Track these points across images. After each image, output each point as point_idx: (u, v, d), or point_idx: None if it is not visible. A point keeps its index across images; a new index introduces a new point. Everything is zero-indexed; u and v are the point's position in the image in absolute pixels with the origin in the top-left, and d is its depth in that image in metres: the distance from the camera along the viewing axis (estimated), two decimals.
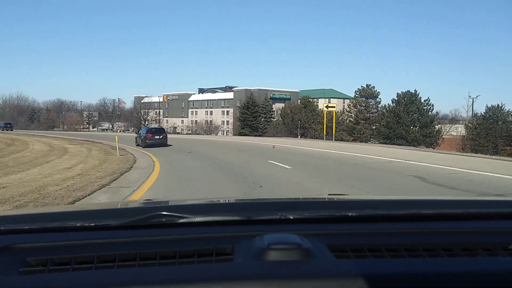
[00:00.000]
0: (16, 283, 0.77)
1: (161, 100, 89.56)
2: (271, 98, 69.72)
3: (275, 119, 62.27)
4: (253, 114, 62.05)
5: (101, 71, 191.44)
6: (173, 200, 2.61)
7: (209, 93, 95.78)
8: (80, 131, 78.59)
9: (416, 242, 0.94)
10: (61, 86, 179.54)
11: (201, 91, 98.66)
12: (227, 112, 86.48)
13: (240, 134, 58.26)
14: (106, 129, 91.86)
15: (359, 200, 1.66)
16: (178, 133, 74.72)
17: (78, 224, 0.99)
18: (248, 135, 53.75)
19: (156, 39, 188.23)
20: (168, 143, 24.52)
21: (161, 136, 24.49)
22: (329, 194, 2.63)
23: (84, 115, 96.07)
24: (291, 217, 1.05)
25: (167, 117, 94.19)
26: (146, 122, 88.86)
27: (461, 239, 0.97)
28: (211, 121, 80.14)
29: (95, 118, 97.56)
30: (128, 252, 0.88)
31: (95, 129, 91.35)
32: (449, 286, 0.79)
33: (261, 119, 62.43)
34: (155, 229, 0.99)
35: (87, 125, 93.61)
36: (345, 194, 3.57)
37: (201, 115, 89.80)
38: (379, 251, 0.91)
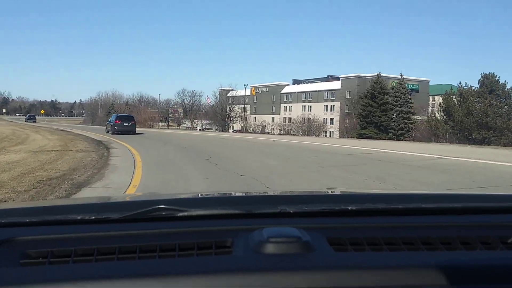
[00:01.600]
0: (16, 275, 0.78)
1: (248, 93, 73.80)
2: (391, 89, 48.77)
3: (416, 116, 41.69)
4: (382, 107, 41.67)
5: (182, 64, 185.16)
6: (173, 193, 2.63)
7: (306, 84, 77.43)
8: (155, 128, 65.73)
9: (415, 236, 0.95)
10: (143, 80, 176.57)
11: (296, 82, 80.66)
12: (331, 107, 67.45)
13: (360, 136, 38.67)
14: (188, 127, 78.90)
15: (359, 194, 1.62)
16: (268, 133, 57.35)
17: (79, 217, 1.00)
18: (373, 138, 34.45)
19: (240, 25, 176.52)
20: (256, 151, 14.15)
21: (130, 124, 25.08)
22: (328, 188, 3.18)
23: (170, 111, 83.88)
24: (291, 211, 1.06)
25: (254, 113, 78.00)
26: (231, 119, 74.39)
27: (460, 233, 0.98)
28: (309, 118, 61.83)
29: (177, 115, 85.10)
30: (128, 245, 0.88)
31: (179, 126, 78.71)
32: (447, 279, 0.79)
33: (392, 114, 41.85)
34: (155, 222, 1.01)
35: (166, 122, 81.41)
36: (345, 188, 3.46)
37: (296, 111, 72.01)
38: (378, 244, 0.92)
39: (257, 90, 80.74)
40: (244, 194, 1.75)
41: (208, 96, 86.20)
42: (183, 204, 1.08)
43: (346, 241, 0.91)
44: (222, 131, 69.21)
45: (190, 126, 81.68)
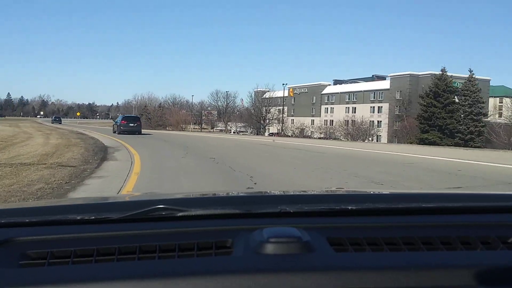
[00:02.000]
0: (16, 275, 0.77)
1: (286, 94, 68.69)
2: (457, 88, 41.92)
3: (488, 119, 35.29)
4: (447, 107, 35.38)
5: (217, 65, 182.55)
6: (173, 193, 2.64)
7: (349, 84, 71.39)
8: (186, 130, 61.93)
9: (415, 236, 0.94)
10: (177, 82, 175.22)
11: (338, 82, 74.72)
12: (379, 108, 61.20)
13: (422, 141, 32.64)
14: (222, 130, 75.01)
15: (359, 194, 1.60)
16: (309, 137, 52.09)
17: (79, 217, 1.00)
18: (437, 144, 28.48)
19: (276, 25, 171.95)
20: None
21: (135, 124, 25.07)
22: (327, 188, 3.50)
23: (203, 114, 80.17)
24: (291, 211, 1.06)
25: (292, 115, 72.82)
26: (267, 122, 69.54)
27: (460, 233, 0.97)
28: (353, 120, 55.94)
29: (210, 117, 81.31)
30: (128, 245, 0.88)
31: (213, 129, 74.83)
32: (447, 279, 0.79)
33: (460, 115, 35.49)
34: (155, 223, 1.00)
35: (199, 125, 77.76)
36: (344, 188, 3.40)
37: (338, 113, 66.24)
38: (378, 244, 0.91)
39: (296, 91, 75.50)
40: (244, 194, 1.75)
41: (242, 99, 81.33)
42: (183, 204, 1.08)
43: (346, 241, 0.91)
44: (257, 134, 64.80)
45: (224, 129, 77.70)
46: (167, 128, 67.39)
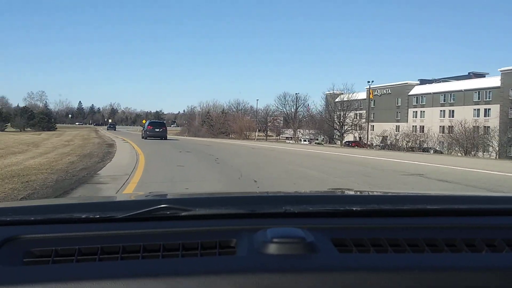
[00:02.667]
0: (20, 273, 0.78)
1: (364, 96, 59.27)
2: None
3: None
4: None
5: (284, 66, 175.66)
6: (177, 193, 2.82)
7: (441, 83, 60.05)
8: (251, 139, 54.78)
9: (420, 237, 0.94)
10: (242, 87, 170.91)
11: (425, 82, 63.57)
12: (486, 111, 49.63)
13: None
14: (289, 138, 67.34)
15: (364, 195, 1.63)
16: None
17: (83, 216, 1.00)
18: None
19: (350, 22, 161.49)
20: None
21: (161, 130, 25.26)
22: (331, 188, 3.50)
23: (268, 119, 72.99)
24: (295, 211, 1.06)
25: (372, 121, 62.91)
26: (345, 127, 60.48)
27: (465, 235, 0.97)
28: (451, 126, 45.18)
29: (276, 123, 73.86)
30: (132, 244, 0.88)
31: (278, 137, 67.31)
32: (452, 281, 0.78)
33: None
34: (159, 222, 1.00)
35: (264, 132, 70.61)
36: (349, 189, 3.17)
37: (431, 117, 55.39)
38: (383, 245, 0.91)
39: (376, 93, 65.55)
40: (248, 194, 1.73)
41: (308, 104, 72.41)
42: (187, 203, 1.09)
43: (350, 242, 0.91)
44: (329, 142, 56.14)
45: (291, 136, 69.73)
46: (231, 136, 61.04)
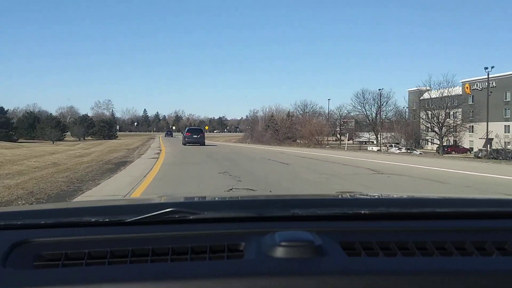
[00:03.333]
0: (30, 277, 0.78)
1: (460, 92, 48.41)
2: None
3: None
4: None
5: (360, 61, 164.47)
6: (186, 196, 2.63)
7: None
8: (323, 146, 46.52)
9: (429, 241, 0.93)
10: (310, 86, 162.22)
11: None
12: None
13: None
14: (364, 142, 58.16)
15: (372, 198, 1.62)
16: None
17: (93, 220, 1.01)
18: None
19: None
20: None
21: (199, 136, 26.70)
22: (340, 191, 3.36)
23: (339, 122, 64.26)
24: (303, 214, 1.06)
25: (470, 120, 51.57)
26: (443, 130, 49.99)
27: (475, 238, 0.96)
28: None
29: (350, 126, 64.74)
30: (141, 248, 0.88)
31: (351, 141, 58.30)
32: (462, 285, 0.77)
33: None
34: (168, 225, 1.01)
35: (337, 136, 61.89)
36: (357, 192, 3.36)
37: None
38: (391, 249, 0.91)
39: (475, 87, 54.11)
40: (256, 198, 1.72)
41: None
42: (196, 207, 1.10)
43: (359, 245, 0.90)
44: (415, 147, 46.08)
45: (367, 141, 60.23)
46: (298, 141, 53.15)
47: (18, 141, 53.14)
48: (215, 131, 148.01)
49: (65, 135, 63.60)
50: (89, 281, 0.75)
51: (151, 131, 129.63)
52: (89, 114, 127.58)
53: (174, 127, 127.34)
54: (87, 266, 0.83)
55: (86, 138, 70.41)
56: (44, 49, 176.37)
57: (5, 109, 57.53)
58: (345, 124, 65.70)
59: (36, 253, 0.86)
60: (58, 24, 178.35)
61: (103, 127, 73.89)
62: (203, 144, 26.35)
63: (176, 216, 1.01)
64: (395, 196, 1.75)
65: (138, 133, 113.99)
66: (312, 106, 70.23)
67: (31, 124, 59.34)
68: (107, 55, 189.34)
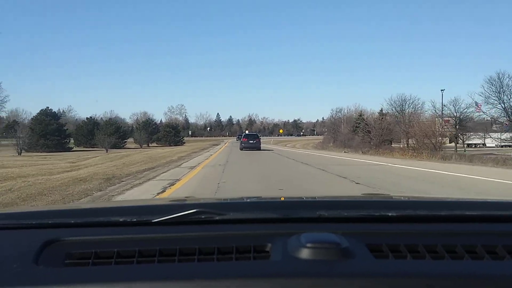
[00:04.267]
0: (62, 275, 0.80)
1: None
2: None
3: None
4: None
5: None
6: (211, 197, 2.97)
7: None
8: (442, 150, 33.23)
9: (459, 244, 0.92)
10: (404, 79, 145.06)
11: None
12: None
13: None
14: (476, 145, 43.61)
15: (399, 200, 1.58)
16: None
17: (121, 220, 1.03)
18: None
19: None
20: None
21: (255, 141, 27.43)
22: (366, 193, 3.41)
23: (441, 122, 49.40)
24: (329, 216, 1.06)
25: None
26: None
27: (506, 242, 0.94)
28: None
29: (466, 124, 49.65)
30: (168, 248, 0.89)
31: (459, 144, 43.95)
32: None
33: None
34: (194, 226, 1.02)
35: (461, 139, 47.35)
36: (383, 194, 3.30)
37: None
38: (420, 252, 0.89)
39: None
40: (282, 199, 1.69)
41: (479, 103, 44.43)
42: (222, 208, 1.10)
43: (386, 248, 0.89)
44: None
45: (481, 144, 45.28)
46: (402, 145, 40.28)
47: (73, 149, 47.42)
48: (291, 135, 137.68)
49: (125, 142, 57.27)
50: (118, 280, 0.76)
51: (224, 136, 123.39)
52: (162, 120, 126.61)
53: (247, 131, 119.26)
54: (116, 265, 0.84)
55: (150, 144, 64.03)
56: (116, 51, 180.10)
57: (58, 113, 52.18)
58: (465, 122, 50.41)
59: (67, 252, 0.88)
60: (135, 24, 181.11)
61: (168, 132, 66.93)
62: (259, 149, 26.80)
63: (202, 216, 1.01)
64: (422, 198, 1.67)
65: (208, 138, 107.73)
66: (413, 101, 55.66)
67: (90, 131, 53.65)
68: (180, 58, 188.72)
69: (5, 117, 62.97)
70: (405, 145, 43.04)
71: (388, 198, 1.72)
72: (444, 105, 43.01)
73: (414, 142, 37.99)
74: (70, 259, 0.86)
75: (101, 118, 65.28)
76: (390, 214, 1.05)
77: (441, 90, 41.98)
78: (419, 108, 54.46)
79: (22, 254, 0.86)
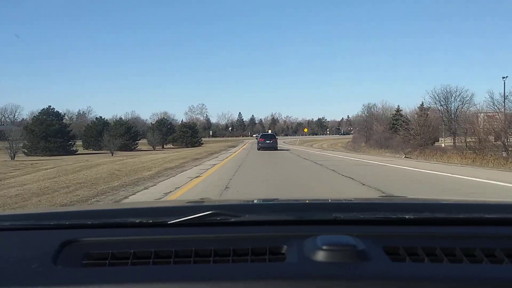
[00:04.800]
0: (79, 274, 0.81)
1: None
2: None
3: None
4: None
5: None
6: (226, 199, 2.96)
7: None
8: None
9: (478, 247, 0.90)
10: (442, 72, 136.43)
11: None
12: None
13: None
14: None
15: (416, 202, 1.55)
16: None
17: (137, 221, 1.05)
18: None
19: None
20: None
21: (271, 141, 27.19)
22: (382, 196, 3.50)
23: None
24: (345, 219, 1.05)
25: None
26: None
27: None
28: None
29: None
30: (184, 249, 0.90)
31: None
32: None
33: None
34: (209, 227, 1.02)
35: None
36: (400, 196, 3.15)
37: None
38: (437, 255, 0.88)
39: None
40: (297, 201, 1.66)
41: None
42: (237, 209, 1.11)
43: (403, 250, 0.88)
44: None
45: None
46: (444, 143, 33.73)
47: (78, 152, 42.71)
48: (316, 135, 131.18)
49: (136, 143, 52.18)
50: (135, 280, 0.76)
51: (246, 136, 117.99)
52: (184, 120, 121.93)
53: (270, 131, 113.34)
54: (133, 265, 0.85)
55: (165, 145, 59.08)
56: (135, 54, 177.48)
57: (61, 113, 47.43)
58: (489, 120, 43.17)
59: (85, 252, 0.89)
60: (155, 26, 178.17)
61: (185, 132, 61.58)
62: (275, 148, 26.73)
63: (218, 218, 1.02)
64: (440, 201, 1.64)
65: (229, 138, 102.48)
66: (460, 93, 48.35)
67: (99, 132, 48.91)
68: (202, 58, 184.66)
69: None
70: (451, 144, 36.26)
71: (404, 200, 1.70)
72: (506, 96, 35.82)
73: (473, 141, 30.90)
74: (88, 259, 0.87)
75: (120, 118, 59.79)
76: (407, 216, 1.03)
77: (503, 77, 34.99)
78: (467, 101, 47.46)
79: (41, 254, 0.87)
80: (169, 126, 62.80)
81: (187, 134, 60.87)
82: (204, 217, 1.01)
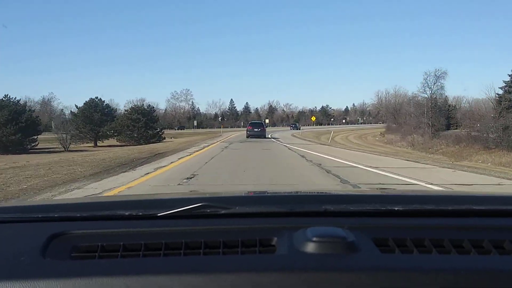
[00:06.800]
0: (68, 267, 0.81)
1: None
2: None
3: None
4: None
5: None
6: (217, 192, 2.95)
7: None
8: None
9: (466, 238, 0.91)
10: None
11: None
12: None
13: None
14: None
15: (406, 194, 1.58)
16: None
17: (127, 213, 1.05)
18: None
19: None
20: None
21: (259, 129, 28.73)
22: (372, 188, 3.48)
23: None
24: (335, 210, 1.07)
25: None
26: None
27: None
28: None
29: None
30: (174, 241, 0.90)
31: None
32: (500, 285, 0.75)
33: None
34: (199, 220, 1.03)
35: None
36: (390, 188, 3.25)
37: None
38: (426, 246, 0.89)
39: None
40: (288, 193, 1.73)
41: None
42: (227, 201, 1.12)
43: (392, 242, 0.89)
44: None
45: None
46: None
47: None
48: (321, 125, 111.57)
49: (36, 138, 31.79)
50: (125, 273, 0.76)
51: (238, 126, 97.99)
52: (167, 109, 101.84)
53: (267, 120, 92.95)
54: (123, 258, 0.85)
55: (104, 141, 39.11)
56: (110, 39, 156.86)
57: None
58: None
59: (74, 245, 0.88)
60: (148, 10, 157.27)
61: (134, 120, 40.84)
62: (264, 137, 28.09)
63: (208, 210, 1.02)
64: (429, 193, 1.62)
65: (214, 129, 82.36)
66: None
67: None
68: (193, 41, 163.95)
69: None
70: None
71: (394, 192, 1.66)
72: None
73: None
74: (77, 252, 0.87)
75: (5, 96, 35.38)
76: (396, 208, 1.04)
77: None
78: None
79: (29, 247, 0.86)
80: (106, 111, 40.76)
81: (139, 124, 40.34)
82: (194, 209, 1.01)
